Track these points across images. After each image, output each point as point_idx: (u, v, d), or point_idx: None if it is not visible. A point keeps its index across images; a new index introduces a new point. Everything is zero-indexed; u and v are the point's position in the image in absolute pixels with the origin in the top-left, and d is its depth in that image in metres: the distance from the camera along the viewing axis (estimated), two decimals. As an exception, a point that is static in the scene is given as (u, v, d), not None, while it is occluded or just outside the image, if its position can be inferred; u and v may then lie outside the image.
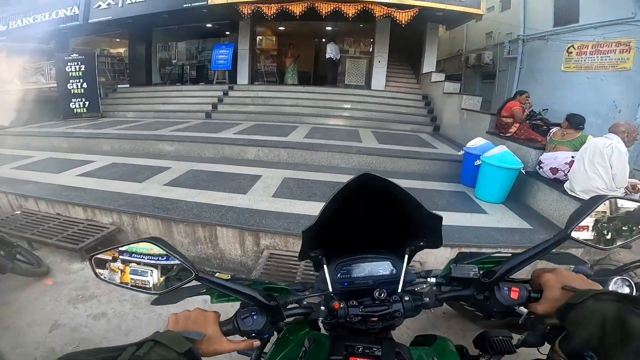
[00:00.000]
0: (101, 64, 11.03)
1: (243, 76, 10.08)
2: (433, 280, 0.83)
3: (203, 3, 8.33)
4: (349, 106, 8.84)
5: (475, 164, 4.24)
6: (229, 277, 3.13)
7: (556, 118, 6.99)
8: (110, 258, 0.72)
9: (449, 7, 7.27)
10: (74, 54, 8.74)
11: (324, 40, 14.16)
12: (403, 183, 3.50)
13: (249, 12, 8.03)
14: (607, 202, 0.74)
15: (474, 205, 3.99)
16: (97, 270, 0.73)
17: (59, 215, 3.69)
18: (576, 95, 8.29)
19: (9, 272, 2.58)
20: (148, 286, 0.71)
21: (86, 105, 8.62)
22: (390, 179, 0.74)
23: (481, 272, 0.79)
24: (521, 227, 3.48)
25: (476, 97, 7.16)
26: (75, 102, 8.59)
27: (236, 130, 6.75)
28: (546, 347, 0.80)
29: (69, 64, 8.56)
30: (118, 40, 13.17)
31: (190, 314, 0.69)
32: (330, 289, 0.81)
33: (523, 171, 3.99)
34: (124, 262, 0.72)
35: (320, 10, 7.49)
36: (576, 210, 0.74)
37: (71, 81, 8.58)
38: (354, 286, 0.83)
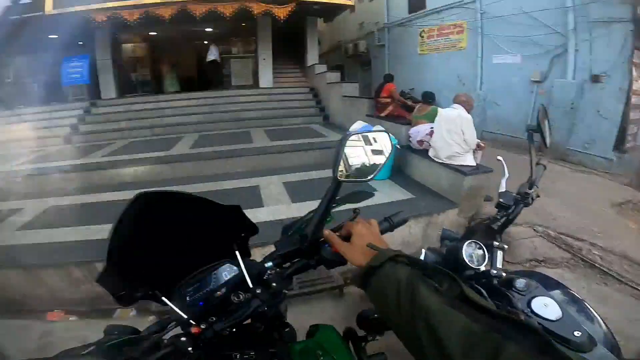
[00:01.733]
0: None
1: (109, 89, 8.69)
2: (270, 263, 0.81)
3: (39, 13, 6.88)
4: (237, 108, 8.53)
5: None
6: (134, 310, 2.57)
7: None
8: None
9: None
10: None
11: (205, 42, 13.29)
12: (301, 176, 4.48)
13: (104, 19, 6.94)
14: (349, 139, 0.80)
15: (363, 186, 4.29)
16: None
17: None
18: (432, 74, 9.57)
19: None
20: None
21: None
22: (171, 190, 0.69)
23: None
24: (407, 197, 3.79)
25: (354, 84, 7.73)
26: None
27: (107, 151, 5.81)
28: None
29: None
30: None
31: None
32: (185, 315, 0.71)
33: (398, 147, 4.41)
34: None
35: (194, 12, 6.96)
36: (333, 156, 0.77)
37: None
38: (213, 301, 0.75)
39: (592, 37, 5.86)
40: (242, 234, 0.83)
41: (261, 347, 0.75)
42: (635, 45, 5.38)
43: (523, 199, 1.36)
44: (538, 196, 1.43)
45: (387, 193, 3.90)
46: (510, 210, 1.34)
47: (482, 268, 1.15)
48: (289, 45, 11.51)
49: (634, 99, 5.66)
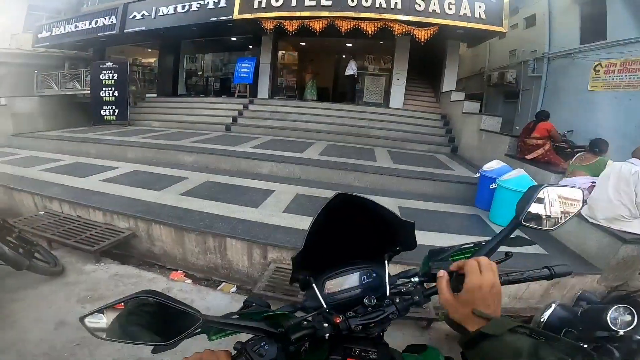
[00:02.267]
0: (133, 73, 11.62)
1: (263, 90, 10.37)
2: (417, 279, 0.87)
3: (229, 17, 8.72)
4: (366, 124, 8.87)
5: (491, 187, 4.18)
6: (234, 287, 3.11)
7: (582, 140, 6.72)
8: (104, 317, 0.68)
9: (470, 25, 7.18)
10: (109, 62, 9.30)
11: (343, 56, 14.41)
12: (416, 204, 3.46)
13: (271, 27, 8.32)
14: (544, 190, 0.85)
15: (487, 228, 3.92)
16: (92, 327, 0.68)
17: (79, 218, 3.89)
18: (603, 116, 7.88)
19: (25, 270, 2.69)
20: (149, 338, 0.67)
21: (115, 113, 9.11)
22: (364, 196, 0.80)
23: None
24: (536, 252, 3.36)
25: (496, 118, 7.03)
26: (106, 109, 9.10)
27: (253, 144, 6.92)
28: None
29: (103, 71, 9.09)
30: (149, 50, 13.84)
31: (202, 356, 0.67)
32: (325, 305, 0.84)
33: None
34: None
35: (340, 27, 7.66)
36: (521, 201, 0.84)
37: (104, 89, 9.08)
38: (344, 298, 0.87)
39: None
40: (398, 248, 0.91)
41: (382, 347, 0.80)
42: None
43: None
44: None
45: (515, 241, 3.43)
46: None
47: (621, 332, 1.23)
48: (424, 67, 11.35)
49: None
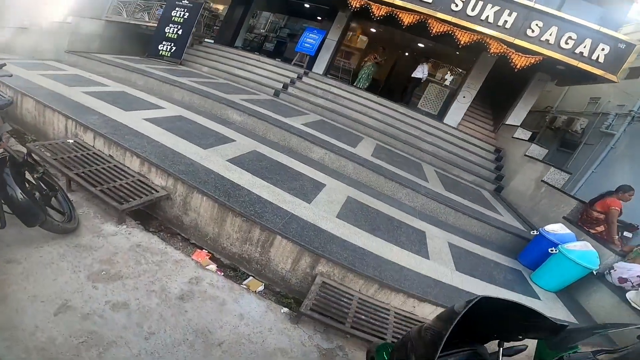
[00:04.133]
0: (200, 16, 11.08)
1: (320, 66, 9.70)
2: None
3: None
4: (417, 134, 8.28)
5: (550, 251, 4.03)
6: (262, 286, 2.69)
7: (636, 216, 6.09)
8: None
9: (580, 64, 6.32)
10: (185, 0, 8.82)
11: (406, 54, 13.57)
12: (465, 245, 4.38)
13: (358, 5, 7.55)
14: None
15: (529, 288, 3.83)
16: None
17: (110, 158, 3.46)
18: None
19: (38, 226, 2.23)
20: None
21: (172, 51, 8.71)
22: (508, 298, 0.95)
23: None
24: (569, 320, 3.41)
25: (563, 174, 6.39)
26: (165, 45, 8.72)
27: (304, 120, 6.42)
28: None
29: (177, 8, 8.75)
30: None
31: None
32: None
33: (594, 272, 3.79)
34: None
35: (432, 27, 6.91)
36: None
37: (170, 25, 8.73)
38: None
39: None
40: (520, 337, 1.00)
41: None
42: None
43: None
44: None
45: (549, 306, 3.54)
46: None
47: None
48: (493, 91, 10.53)
49: None
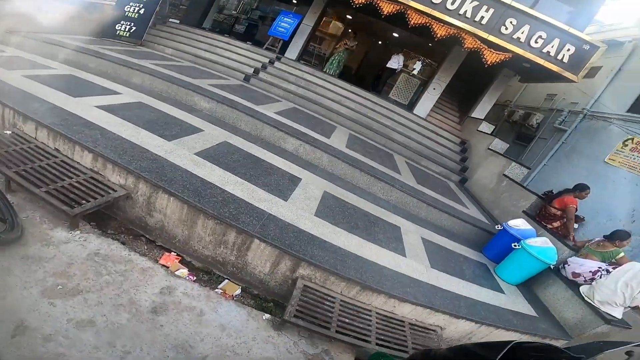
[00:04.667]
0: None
1: (294, 51, 9.32)
2: None
3: None
4: (389, 124, 8.31)
5: (513, 246, 4.23)
6: (239, 289, 2.54)
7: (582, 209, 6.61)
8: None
9: (545, 63, 6.58)
10: None
11: (379, 42, 13.49)
12: (437, 239, 4.49)
13: None
14: None
15: (494, 282, 4.01)
16: None
17: (57, 153, 3.01)
18: (604, 191, 7.79)
19: None
20: None
21: (131, 31, 7.82)
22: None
23: None
24: (529, 313, 3.63)
25: (523, 169, 6.73)
26: (123, 24, 7.80)
27: (276, 108, 6.13)
28: None
29: None
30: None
31: None
32: None
33: (552, 267, 4.03)
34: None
35: (411, 19, 6.81)
36: None
37: (131, 3, 7.85)
38: None
39: None
40: None
41: None
42: None
43: None
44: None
45: (512, 300, 3.77)
46: None
47: None
48: (459, 84, 10.83)
49: None
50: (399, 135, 8.08)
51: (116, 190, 2.83)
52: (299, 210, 3.26)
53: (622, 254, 4.17)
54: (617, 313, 3.67)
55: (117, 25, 7.77)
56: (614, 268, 3.81)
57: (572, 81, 6.79)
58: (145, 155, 3.09)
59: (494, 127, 8.94)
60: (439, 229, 4.81)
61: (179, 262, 2.80)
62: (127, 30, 7.80)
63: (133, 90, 4.74)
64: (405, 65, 10.34)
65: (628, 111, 8.50)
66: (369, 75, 12.52)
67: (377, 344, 2.51)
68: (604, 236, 4.36)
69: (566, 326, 3.69)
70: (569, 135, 9.90)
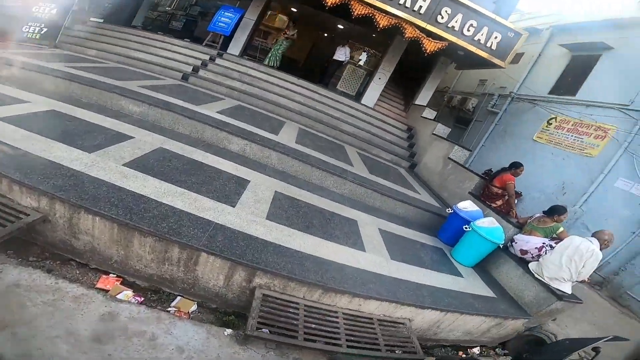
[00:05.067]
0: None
1: (236, 47, 8.85)
2: None
3: None
4: (338, 115, 8.33)
5: (464, 228, 4.30)
6: (195, 305, 2.33)
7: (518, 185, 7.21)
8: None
9: (476, 50, 6.99)
10: None
11: (325, 35, 13.43)
12: (393, 229, 4.45)
13: None
14: None
15: (452, 266, 4.09)
16: None
17: None
18: (534, 167, 8.48)
19: None
20: None
21: (42, 32, 6.88)
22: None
23: None
24: (489, 295, 3.73)
25: (465, 151, 7.10)
26: (31, 26, 6.82)
27: (219, 107, 5.77)
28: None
29: None
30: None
31: None
32: None
33: (501, 246, 4.15)
34: None
35: (354, 10, 6.80)
36: None
37: (42, 3, 6.93)
38: None
39: None
40: None
41: None
42: None
43: None
44: None
45: (471, 282, 3.86)
46: None
47: None
48: (402, 73, 11.21)
49: None
50: (349, 126, 8.15)
51: (29, 215, 2.39)
52: (249, 216, 3.06)
53: (561, 229, 4.31)
54: (567, 288, 3.76)
55: (24, 27, 6.78)
56: (556, 243, 3.91)
57: (500, 67, 7.33)
58: (60, 172, 2.65)
59: (435, 112, 9.39)
60: (395, 218, 4.85)
61: (121, 283, 2.47)
62: (37, 32, 6.85)
63: (45, 98, 4.09)
64: (351, 57, 10.41)
65: (550, 93, 9.44)
66: (317, 68, 12.44)
67: (348, 346, 2.44)
68: (543, 212, 4.51)
69: (524, 305, 3.79)
70: (500, 117, 10.76)
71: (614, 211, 6.80)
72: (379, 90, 9.71)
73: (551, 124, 8.92)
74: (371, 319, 2.78)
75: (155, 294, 2.53)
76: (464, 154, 7.02)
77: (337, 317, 2.63)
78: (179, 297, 2.55)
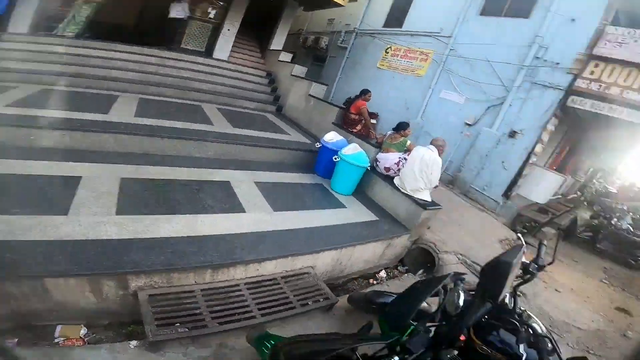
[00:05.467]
0: None
1: (22, 23, 6.40)
2: None
3: None
4: (188, 75, 7.43)
5: (334, 159, 4.47)
6: (84, 329, 2.21)
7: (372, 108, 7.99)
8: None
9: None
10: None
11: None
12: (269, 177, 4.40)
13: None
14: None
15: (334, 199, 4.27)
16: None
17: None
18: (383, 90, 9.81)
19: None
20: None
21: None
22: None
23: None
24: (372, 219, 3.98)
25: (323, 86, 7.43)
26: None
27: (11, 99, 4.32)
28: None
29: None
30: None
31: None
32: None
33: (368, 168, 4.46)
34: None
35: None
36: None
37: None
38: None
39: (527, 96, 6.83)
40: None
41: None
42: (555, 112, 6.47)
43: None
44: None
45: (354, 211, 4.07)
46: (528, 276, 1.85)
47: None
48: (256, 22, 10.54)
49: (532, 159, 6.85)
50: (203, 83, 7.48)
51: None
52: (91, 218, 2.53)
53: (409, 142, 4.75)
54: (426, 196, 4.12)
55: None
56: (409, 155, 4.23)
57: (340, 5, 7.66)
58: None
59: (292, 55, 9.38)
60: (271, 166, 4.77)
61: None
62: None
63: None
64: (192, 11, 9.02)
65: (384, 26, 10.62)
66: (154, 31, 10.44)
67: (262, 315, 2.39)
68: (392, 129, 4.97)
69: (403, 221, 4.06)
70: (350, 51, 11.71)
71: (445, 117, 8.36)
72: (230, 42, 8.96)
73: (388, 52, 10.19)
74: (275, 279, 2.76)
75: (29, 330, 2.02)
76: (321, 89, 7.40)
77: (240, 290, 2.54)
78: (59, 326, 2.08)
